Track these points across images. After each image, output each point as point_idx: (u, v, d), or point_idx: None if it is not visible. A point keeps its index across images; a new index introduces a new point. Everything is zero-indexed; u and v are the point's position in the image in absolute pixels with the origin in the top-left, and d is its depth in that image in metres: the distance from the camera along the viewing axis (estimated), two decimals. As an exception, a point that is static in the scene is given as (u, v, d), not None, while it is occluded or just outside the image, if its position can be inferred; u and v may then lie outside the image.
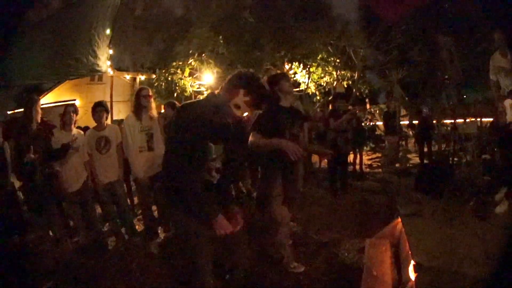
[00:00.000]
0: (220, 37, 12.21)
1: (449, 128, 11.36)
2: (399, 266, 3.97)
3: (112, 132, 5.52)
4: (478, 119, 11.28)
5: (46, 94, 17.33)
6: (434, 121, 11.57)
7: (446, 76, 8.56)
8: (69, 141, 5.07)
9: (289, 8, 15.44)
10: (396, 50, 17.66)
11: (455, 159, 9.09)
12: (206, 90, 11.80)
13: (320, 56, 13.82)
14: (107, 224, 6.02)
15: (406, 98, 13.27)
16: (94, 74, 10.59)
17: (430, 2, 11.49)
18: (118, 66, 15.40)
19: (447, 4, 15.48)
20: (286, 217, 4.12)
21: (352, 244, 5.08)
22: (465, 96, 21.99)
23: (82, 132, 5.54)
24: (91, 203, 5.53)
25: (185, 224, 2.73)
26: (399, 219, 4.44)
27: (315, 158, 9.86)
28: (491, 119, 11.21)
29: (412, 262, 3.55)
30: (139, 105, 5.41)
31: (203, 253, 2.76)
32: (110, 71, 8.91)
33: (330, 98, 10.31)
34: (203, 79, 11.88)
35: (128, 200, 6.45)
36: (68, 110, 5.36)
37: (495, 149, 7.94)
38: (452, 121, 10.38)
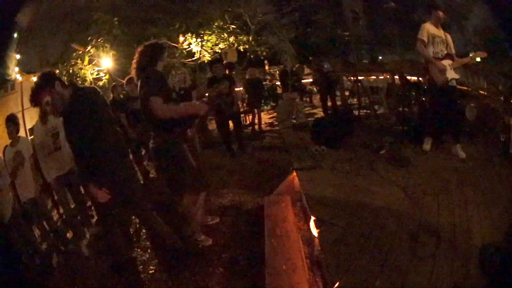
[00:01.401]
0: (116, 18, 11.93)
1: (352, 84, 11.72)
2: (305, 221, 4.02)
3: (24, 145, 5.37)
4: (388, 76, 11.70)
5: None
6: (339, 78, 11.87)
7: (347, 33, 8.89)
8: None
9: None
10: (298, 12, 18.05)
11: (365, 111, 9.82)
12: (105, 76, 11.63)
13: (216, 24, 13.88)
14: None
15: (310, 58, 13.60)
16: (5, 84, 10.16)
17: None
18: (28, 69, 14.80)
19: None
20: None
21: (252, 204, 5.17)
22: (380, 57, 23.13)
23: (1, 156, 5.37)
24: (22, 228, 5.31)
25: None
26: (295, 173, 4.55)
27: (212, 125, 10.12)
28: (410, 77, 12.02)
29: (312, 218, 3.61)
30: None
31: None
32: (19, 77, 8.53)
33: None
34: (102, 65, 11.72)
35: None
36: None
37: (412, 102, 8.92)
38: (358, 77, 10.75)
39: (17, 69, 7.82)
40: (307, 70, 14.50)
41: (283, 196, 4.38)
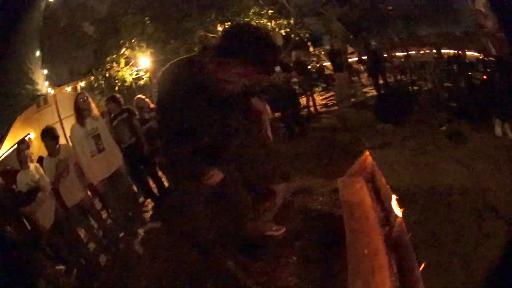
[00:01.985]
0: (146, 18, 11.87)
1: (402, 60, 11.39)
2: (382, 202, 3.78)
3: (67, 153, 5.20)
4: (434, 50, 11.27)
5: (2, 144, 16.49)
6: (385, 54, 11.53)
7: (390, 8, 8.49)
8: (33, 181, 4.87)
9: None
10: None
11: (414, 87, 9.44)
12: (145, 74, 11.52)
13: (252, 10, 13.62)
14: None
15: (351, 36, 13.16)
16: (37, 100, 10.24)
17: None
18: (58, 82, 15.06)
19: None
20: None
21: (324, 188, 4.92)
22: (417, 30, 22.47)
23: (39, 167, 5.19)
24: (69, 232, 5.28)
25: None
26: (367, 153, 4.23)
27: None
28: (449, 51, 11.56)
29: (394, 197, 3.38)
30: (79, 111, 5.19)
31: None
32: (51, 90, 8.54)
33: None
34: (140, 65, 11.55)
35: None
36: (20, 149, 5.19)
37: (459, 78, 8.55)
38: (404, 53, 10.65)
39: (47, 83, 7.83)
40: (350, 49, 14.21)
41: (356, 177, 4.05)
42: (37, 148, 5.49)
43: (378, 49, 10.65)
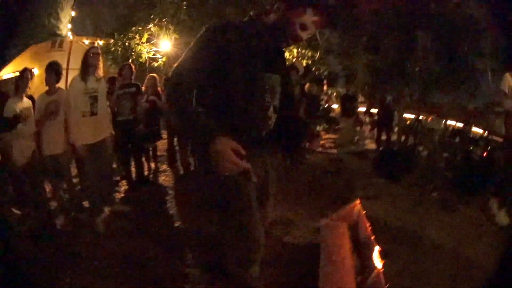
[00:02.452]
0: (184, 2, 11.53)
1: (412, 122, 11.43)
2: (358, 251, 3.68)
3: (62, 97, 4.88)
4: (443, 120, 11.45)
5: (7, 65, 16.21)
6: (396, 113, 11.43)
7: (417, 69, 8.41)
8: (20, 109, 4.62)
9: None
10: (366, 36, 17.58)
11: (416, 150, 9.46)
12: (162, 58, 11.16)
13: None
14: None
15: (366, 86, 13.08)
16: (54, 38, 10.01)
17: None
18: (80, 31, 14.77)
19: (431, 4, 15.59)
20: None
21: (306, 226, 4.80)
22: (429, 95, 22.56)
23: (30, 102, 4.97)
24: (38, 178, 5.12)
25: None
26: (358, 201, 4.12)
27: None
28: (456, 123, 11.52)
29: (377, 248, 3.25)
30: (86, 64, 4.82)
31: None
32: (70, 35, 8.29)
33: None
34: (160, 46, 11.29)
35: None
36: (24, 75, 4.86)
37: (457, 150, 8.67)
38: (415, 116, 10.76)
39: (70, 26, 7.55)
40: (361, 98, 14.06)
41: (340, 222, 3.99)
42: (35, 86, 5.16)
43: (392, 105, 10.57)
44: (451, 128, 11.51)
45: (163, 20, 11.03)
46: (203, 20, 12.09)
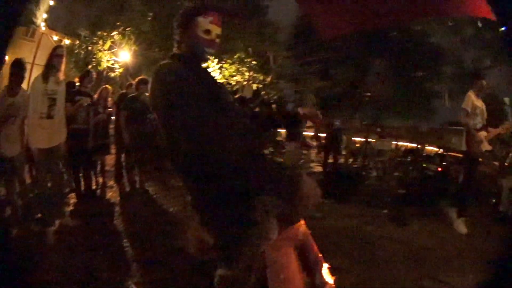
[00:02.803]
0: (151, 14, 11.45)
1: (361, 144, 11.69)
2: (309, 269, 3.53)
3: (24, 99, 4.66)
4: (394, 142, 11.72)
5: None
6: (345, 137, 11.74)
7: (368, 93, 8.58)
8: None
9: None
10: (320, 64, 17.84)
11: (364, 172, 9.73)
12: (119, 68, 10.95)
13: (238, 55, 13.48)
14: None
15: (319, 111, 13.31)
16: (29, 25, 9.73)
17: (374, 27, 11.71)
18: (53, 25, 14.24)
19: (390, 32, 15.92)
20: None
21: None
22: (381, 119, 23.24)
23: None
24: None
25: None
26: (303, 222, 4.17)
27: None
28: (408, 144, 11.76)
29: (326, 265, 3.33)
30: (50, 65, 4.70)
31: None
32: (43, 27, 7.99)
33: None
34: (119, 56, 11.06)
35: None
36: None
37: (410, 168, 9.07)
38: (364, 139, 10.89)
39: (45, 15, 7.30)
40: (309, 123, 14.22)
41: (286, 242, 3.97)
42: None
43: (339, 130, 10.66)
44: (403, 148, 11.80)
45: (127, 29, 10.88)
46: (163, 37, 12.05)
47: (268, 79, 14.88)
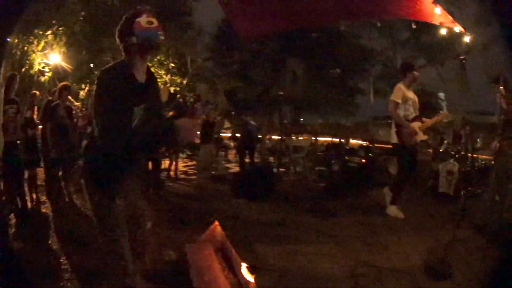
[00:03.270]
0: (83, 13, 10.97)
1: (278, 143, 11.62)
2: (232, 269, 3.86)
3: None
4: (313, 138, 11.85)
5: None
6: (263, 136, 11.91)
7: (281, 93, 8.90)
8: None
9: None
10: (237, 64, 18.00)
11: (280, 170, 9.85)
12: (49, 72, 10.43)
13: (158, 57, 13.33)
14: None
15: (233, 112, 13.53)
16: None
17: (292, 29, 11.90)
18: None
19: (311, 32, 16.15)
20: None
21: (173, 251, 4.58)
22: (301, 119, 23.70)
23: None
24: None
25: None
26: (216, 223, 4.31)
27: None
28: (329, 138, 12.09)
29: (244, 265, 3.54)
30: None
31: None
32: None
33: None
34: (50, 59, 10.54)
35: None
36: None
37: (333, 162, 9.28)
38: (281, 137, 10.75)
39: None
40: (227, 124, 14.33)
41: (205, 244, 4.06)
42: None
43: (254, 129, 10.56)
44: (326, 143, 11.91)
45: (60, 28, 10.55)
46: (94, 37, 11.83)
47: (185, 81, 14.84)
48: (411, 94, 6.15)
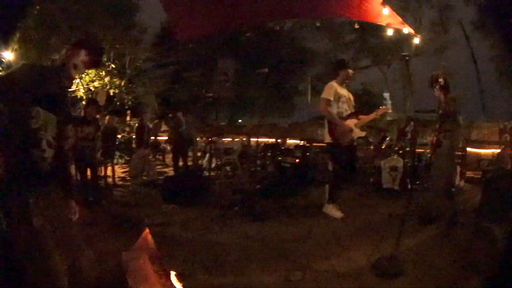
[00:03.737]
0: (38, 7, 10.52)
1: (207, 144, 11.48)
2: (166, 276, 3.79)
3: None
4: (246, 139, 11.70)
5: None
6: (194, 138, 11.63)
7: (210, 94, 9.01)
8: None
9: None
10: (174, 66, 17.84)
11: (214, 172, 9.67)
12: (1, 71, 9.66)
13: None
14: None
15: (170, 115, 13.48)
16: None
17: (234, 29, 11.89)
18: None
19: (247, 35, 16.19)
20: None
21: (109, 259, 4.32)
22: (240, 120, 23.73)
23: None
24: None
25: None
26: (147, 230, 4.20)
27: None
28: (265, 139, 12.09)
29: (173, 273, 3.55)
30: None
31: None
32: None
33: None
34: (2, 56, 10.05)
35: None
36: None
37: (267, 163, 9.43)
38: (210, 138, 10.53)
39: None
40: (164, 127, 13.96)
41: (140, 251, 3.98)
42: None
43: (186, 131, 10.42)
44: (263, 144, 11.69)
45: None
46: (47, 34, 11.54)
47: (123, 83, 14.43)
48: (344, 92, 6.21)
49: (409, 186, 7.07)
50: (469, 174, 9.86)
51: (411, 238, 4.72)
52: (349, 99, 6.24)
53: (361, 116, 6.26)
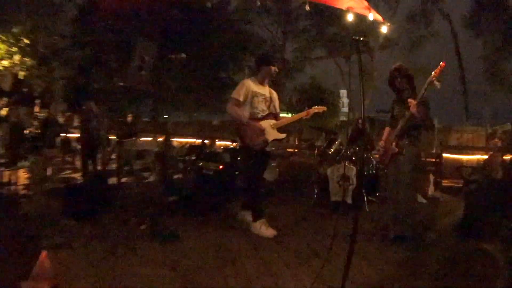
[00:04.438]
0: None
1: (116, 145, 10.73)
2: None
3: None
4: (160, 138, 11.35)
5: None
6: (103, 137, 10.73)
7: (121, 84, 8.34)
8: None
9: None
10: (88, 48, 16.58)
11: (124, 179, 9.02)
12: None
13: (14, 29, 12.21)
14: None
15: (84, 107, 12.74)
16: None
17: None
18: None
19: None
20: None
21: None
22: (166, 116, 22.68)
23: None
24: None
25: None
26: (44, 254, 3.82)
27: None
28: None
29: None
30: None
31: None
32: None
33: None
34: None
35: None
36: None
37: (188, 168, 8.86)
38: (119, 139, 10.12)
39: None
40: (77, 122, 12.98)
41: (40, 281, 3.68)
42: None
43: (97, 130, 9.68)
44: (188, 146, 11.37)
45: None
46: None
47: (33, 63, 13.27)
48: (264, 90, 6.00)
49: (365, 199, 6.88)
50: (446, 183, 10.07)
51: (369, 265, 4.59)
52: (269, 97, 6.06)
53: (282, 117, 6.15)
